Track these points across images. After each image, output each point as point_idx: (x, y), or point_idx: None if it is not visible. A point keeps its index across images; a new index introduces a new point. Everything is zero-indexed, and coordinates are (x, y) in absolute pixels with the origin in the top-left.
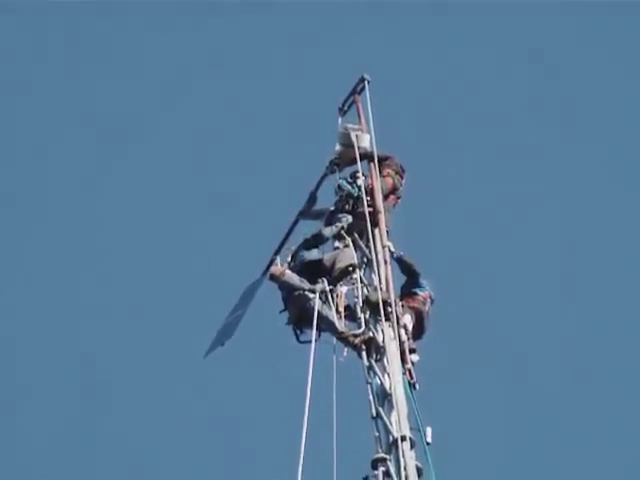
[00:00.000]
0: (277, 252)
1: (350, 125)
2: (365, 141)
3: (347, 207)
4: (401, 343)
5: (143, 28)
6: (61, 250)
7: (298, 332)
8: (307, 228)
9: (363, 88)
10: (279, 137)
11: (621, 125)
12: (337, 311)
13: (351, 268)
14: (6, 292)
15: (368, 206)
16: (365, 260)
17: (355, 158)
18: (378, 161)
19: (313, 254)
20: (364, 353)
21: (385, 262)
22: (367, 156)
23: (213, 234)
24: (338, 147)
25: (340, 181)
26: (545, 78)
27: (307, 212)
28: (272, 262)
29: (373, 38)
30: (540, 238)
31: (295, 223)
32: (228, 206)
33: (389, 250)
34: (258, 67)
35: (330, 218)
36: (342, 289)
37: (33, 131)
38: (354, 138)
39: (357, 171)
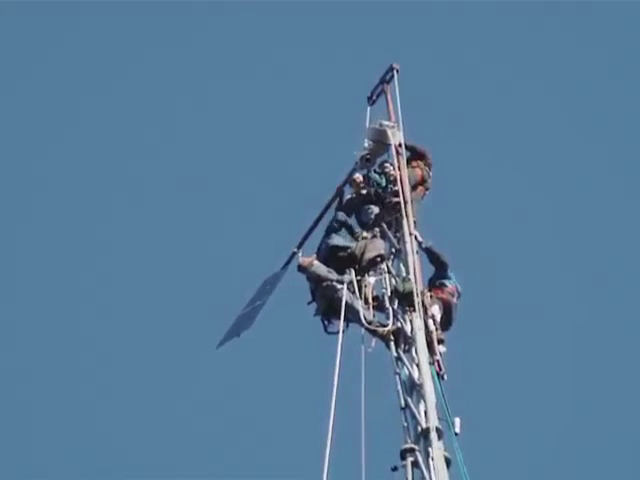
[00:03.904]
0: (299, 246)
1: (385, 122)
2: (398, 138)
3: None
4: (429, 334)
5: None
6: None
7: (326, 323)
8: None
9: (392, 77)
10: (301, 131)
11: None
12: (365, 302)
13: (379, 258)
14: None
15: (396, 196)
16: (393, 251)
17: (385, 153)
18: (413, 155)
19: (337, 239)
20: (392, 344)
21: (411, 253)
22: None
23: (234, 228)
24: (369, 142)
25: (370, 173)
26: (578, 67)
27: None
28: (293, 255)
29: (399, 29)
30: (569, 229)
31: (319, 219)
32: (250, 202)
33: (416, 239)
34: (283, 62)
35: (359, 210)
36: (370, 280)
37: (35, 131)
38: (390, 135)
39: (385, 161)
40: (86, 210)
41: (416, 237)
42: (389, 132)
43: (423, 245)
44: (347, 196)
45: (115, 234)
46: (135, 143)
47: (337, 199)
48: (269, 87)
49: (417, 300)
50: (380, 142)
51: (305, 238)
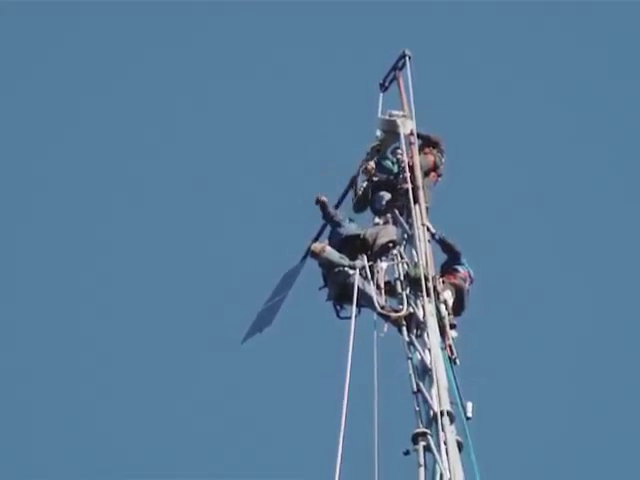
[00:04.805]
0: (316, 239)
1: (394, 112)
2: (409, 127)
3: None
4: (441, 319)
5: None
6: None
7: (338, 308)
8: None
9: (404, 64)
10: (302, 130)
11: None
12: (377, 287)
13: (391, 244)
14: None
15: (407, 182)
16: (405, 236)
17: (397, 141)
18: (426, 142)
19: (351, 229)
20: (404, 329)
21: (423, 240)
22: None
23: (234, 228)
24: (380, 133)
25: (384, 160)
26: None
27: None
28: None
29: (411, 16)
30: (580, 216)
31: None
32: (250, 202)
33: (428, 230)
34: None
35: (373, 195)
36: (382, 265)
37: (35, 131)
38: (399, 124)
39: (397, 147)
40: (86, 210)
41: (428, 228)
42: (398, 121)
43: (436, 236)
44: (361, 185)
45: (115, 234)
46: (135, 143)
47: (351, 190)
48: (269, 86)
49: (429, 285)
50: (391, 132)
51: (321, 231)
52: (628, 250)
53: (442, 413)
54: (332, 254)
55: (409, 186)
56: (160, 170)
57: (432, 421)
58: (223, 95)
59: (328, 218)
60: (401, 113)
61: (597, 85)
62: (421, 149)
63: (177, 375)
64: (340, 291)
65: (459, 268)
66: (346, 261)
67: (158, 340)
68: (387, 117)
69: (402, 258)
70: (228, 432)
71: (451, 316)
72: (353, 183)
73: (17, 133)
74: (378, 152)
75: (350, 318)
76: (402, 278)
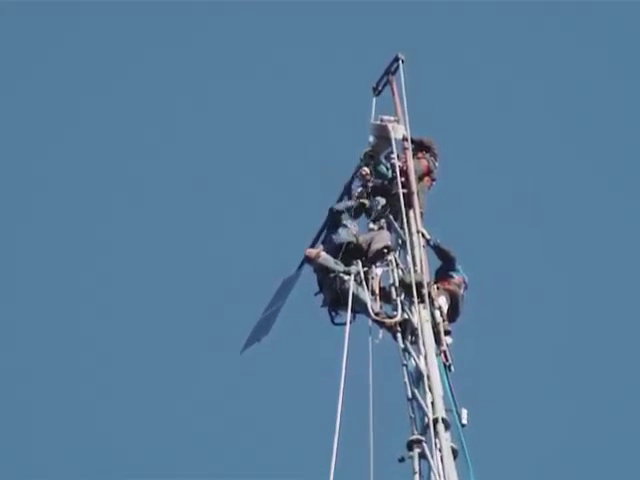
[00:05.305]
0: (312, 246)
1: (385, 117)
2: (400, 132)
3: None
4: (436, 325)
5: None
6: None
7: (333, 314)
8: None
9: (397, 68)
10: (302, 130)
11: None
12: (372, 293)
13: (386, 250)
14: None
15: (401, 187)
16: (400, 242)
17: (390, 146)
18: (419, 147)
19: (342, 236)
20: (399, 335)
21: (418, 246)
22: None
23: (234, 228)
24: (372, 139)
25: (378, 166)
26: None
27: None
28: None
29: (405, 18)
30: (574, 220)
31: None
32: (250, 202)
33: (423, 236)
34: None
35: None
36: (377, 271)
37: (35, 131)
38: (391, 129)
39: (391, 152)
40: (86, 210)
41: (423, 234)
42: (390, 126)
43: (431, 242)
44: (355, 191)
45: (115, 234)
46: (135, 143)
47: (345, 196)
48: (269, 87)
49: (424, 291)
50: (383, 137)
51: (317, 238)
52: (626, 258)
53: (437, 420)
54: (327, 260)
55: (400, 191)
56: (160, 170)
57: (427, 428)
58: (223, 95)
59: (334, 222)
60: (392, 118)
61: (598, 89)
62: (414, 154)
63: (177, 375)
64: (335, 297)
65: (454, 274)
66: (341, 267)
67: (158, 340)
68: (378, 122)
69: (397, 264)
70: (228, 432)
71: (446, 322)
72: (347, 189)
73: (17, 133)
74: (372, 158)
75: (345, 324)
76: (397, 284)
